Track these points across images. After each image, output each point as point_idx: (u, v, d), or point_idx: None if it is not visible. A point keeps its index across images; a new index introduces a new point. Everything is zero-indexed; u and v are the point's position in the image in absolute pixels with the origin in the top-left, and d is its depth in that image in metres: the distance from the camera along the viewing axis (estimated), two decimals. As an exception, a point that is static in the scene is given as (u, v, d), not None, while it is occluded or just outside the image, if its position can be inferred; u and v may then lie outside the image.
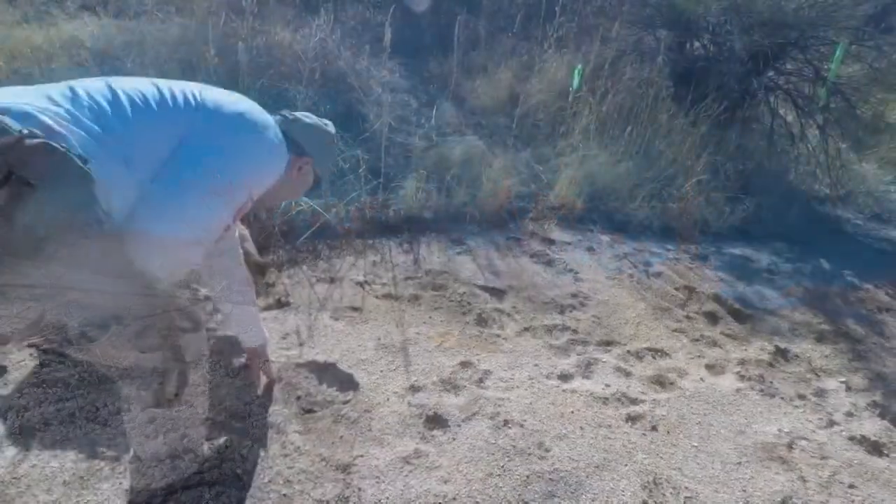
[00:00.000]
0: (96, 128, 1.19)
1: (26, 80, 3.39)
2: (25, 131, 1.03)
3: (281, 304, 2.50)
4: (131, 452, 1.61)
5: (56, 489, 1.61)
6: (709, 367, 2.40)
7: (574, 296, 2.77)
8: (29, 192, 1.02)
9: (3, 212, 1.01)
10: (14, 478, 1.63)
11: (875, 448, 2.06)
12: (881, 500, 1.85)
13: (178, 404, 1.52)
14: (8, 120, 1.04)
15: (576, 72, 3.69)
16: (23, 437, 1.77)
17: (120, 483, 1.64)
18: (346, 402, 2.02)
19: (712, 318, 2.76)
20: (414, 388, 2.11)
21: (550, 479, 1.80)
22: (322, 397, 2.04)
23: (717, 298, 2.91)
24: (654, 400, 2.17)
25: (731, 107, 4.12)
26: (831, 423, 2.15)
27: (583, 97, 3.88)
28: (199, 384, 1.96)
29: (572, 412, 2.08)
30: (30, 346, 1.59)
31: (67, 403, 1.89)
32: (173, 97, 1.33)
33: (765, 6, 4.17)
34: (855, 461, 1.99)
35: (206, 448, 1.78)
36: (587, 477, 1.82)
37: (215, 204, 1.34)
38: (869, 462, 1.99)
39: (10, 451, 1.71)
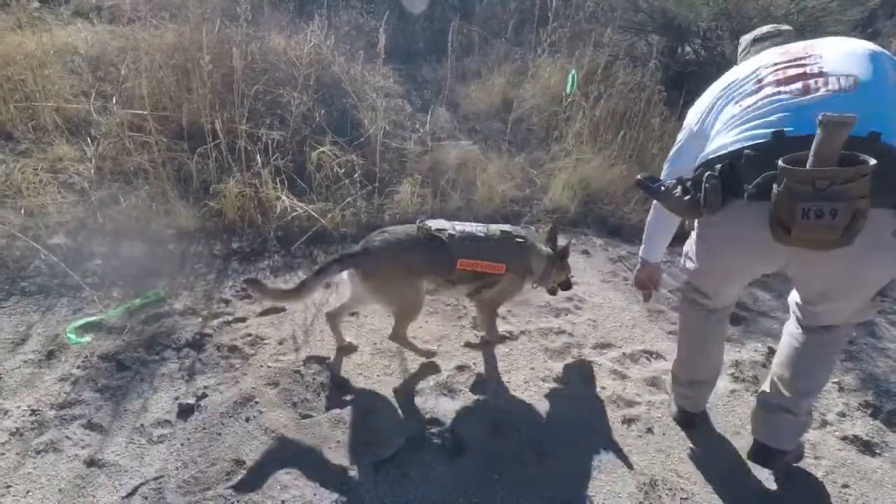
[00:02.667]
0: None
1: (19, 86, 3.39)
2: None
3: (277, 309, 2.50)
4: None
5: (51, 496, 1.61)
6: (703, 368, 2.42)
7: (569, 299, 2.78)
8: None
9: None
10: (7, 485, 1.62)
11: (867, 448, 2.08)
12: (874, 500, 1.86)
13: None
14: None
15: (570, 76, 3.72)
16: (19, 442, 1.76)
17: (116, 490, 1.64)
18: (342, 407, 2.02)
19: (706, 320, 2.78)
20: (410, 393, 2.11)
21: (548, 482, 1.80)
22: (319, 402, 2.04)
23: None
24: (649, 402, 2.18)
25: (722, 111, 4.16)
26: (824, 424, 2.17)
27: (576, 102, 3.91)
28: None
29: (568, 415, 2.09)
30: None
31: (65, 410, 1.89)
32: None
33: (754, 11, 4.23)
34: (848, 461, 2.01)
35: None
36: (584, 479, 1.82)
37: None
38: (861, 462, 2.01)
39: (6, 457, 1.70)
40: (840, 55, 1.53)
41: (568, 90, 3.78)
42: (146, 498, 1.63)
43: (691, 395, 2.02)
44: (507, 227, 2.22)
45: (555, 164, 3.80)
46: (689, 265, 1.84)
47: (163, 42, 3.79)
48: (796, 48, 1.62)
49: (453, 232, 2.08)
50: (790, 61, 1.57)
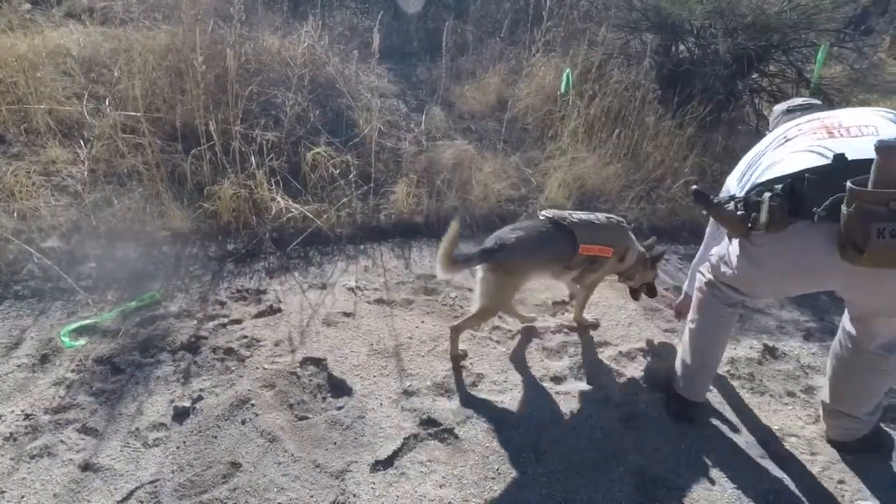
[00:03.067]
0: None
1: (11, 88, 3.37)
2: None
3: (273, 311, 2.49)
4: None
5: (46, 501, 1.59)
6: (699, 366, 2.42)
7: (566, 298, 2.78)
8: None
9: None
10: (1, 491, 1.61)
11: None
12: (870, 496, 1.87)
13: None
14: None
15: (564, 75, 3.72)
16: (13, 447, 1.74)
17: (111, 494, 1.63)
18: (339, 408, 2.01)
19: (702, 317, 2.79)
20: (407, 393, 2.11)
21: (545, 481, 1.80)
22: (315, 404, 2.03)
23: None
24: (646, 400, 2.19)
25: (716, 108, 4.16)
26: (820, 420, 2.18)
27: (571, 100, 3.91)
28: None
29: (566, 414, 2.09)
30: None
31: (60, 414, 1.87)
32: None
33: (748, 9, 4.23)
34: (844, 457, 2.02)
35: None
36: (582, 478, 1.82)
37: None
38: (857, 457, 2.02)
39: (0, 463, 1.69)
40: (855, 115, 1.69)
41: (562, 89, 3.78)
42: (142, 502, 1.62)
43: (695, 382, 2.07)
44: (607, 214, 2.42)
45: (550, 162, 3.80)
46: (726, 271, 1.88)
47: (156, 43, 3.77)
48: (817, 114, 1.81)
49: (575, 220, 2.25)
50: (809, 120, 1.77)
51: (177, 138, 3.29)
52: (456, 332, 2.27)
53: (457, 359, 2.30)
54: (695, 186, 1.81)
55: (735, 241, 1.82)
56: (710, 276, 1.98)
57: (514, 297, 2.39)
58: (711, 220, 2.23)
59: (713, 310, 1.97)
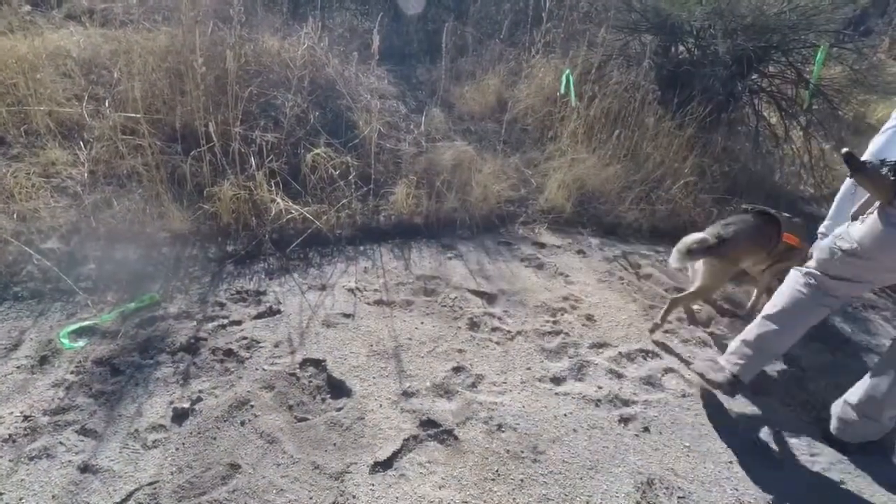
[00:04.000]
0: None
1: (11, 90, 3.37)
2: None
3: (272, 312, 2.49)
4: None
5: (45, 503, 1.59)
6: (699, 367, 2.42)
7: (565, 299, 2.78)
8: None
9: None
10: (0, 493, 1.61)
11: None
12: (870, 496, 1.87)
13: None
14: None
15: (564, 76, 3.71)
16: (12, 449, 1.74)
17: (110, 496, 1.63)
18: (339, 410, 2.01)
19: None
20: (407, 394, 2.11)
21: (544, 482, 1.80)
22: (315, 405, 2.03)
23: (706, 299, 2.94)
24: (645, 401, 2.19)
25: (716, 109, 4.16)
26: (820, 420, 2.18)
27: (572, 102, 3.91)
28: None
29: (565, 415, 2.09)
30: None
31: (59, 416, 1.87)
32: None
33: (747, 10, 4.23)
34: (844, 458, 2.02)
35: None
36: (581, 479, 1.82)
37: None
38: (857, 458, 2.02)
39: (0, 464, 1.69)
40: None
41: (562, 90, 3.78)
42: (141, 503, 1.61)
43: (753, 361, 2.08)
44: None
45: (550, 163, 3.80)
46: (844, 245, 1.90)
47: (155, 45, 3.77)
48: None
49: (778, 212, 2.61)
50: None
51: (176, 140, 3.29)
52: (674, 304, 2.59)
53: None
54: (847, 149, 1.79)
55: (869, 211, 1.83)
56: (812, 270, 2.04)
57: (726, 279, 2.64)
58: (842, 190, 2.35)
59: (805, 303, 2.02)
